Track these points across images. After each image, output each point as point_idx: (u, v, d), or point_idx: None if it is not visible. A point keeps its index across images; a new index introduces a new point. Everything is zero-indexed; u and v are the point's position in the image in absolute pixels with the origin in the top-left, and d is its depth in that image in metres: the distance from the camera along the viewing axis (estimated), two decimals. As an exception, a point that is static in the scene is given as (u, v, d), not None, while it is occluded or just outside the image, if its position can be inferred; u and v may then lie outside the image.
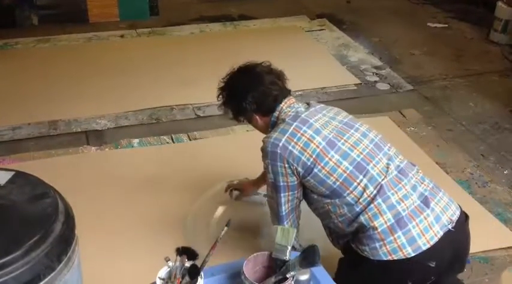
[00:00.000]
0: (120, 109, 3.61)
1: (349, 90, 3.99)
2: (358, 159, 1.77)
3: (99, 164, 3.05)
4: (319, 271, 1.59)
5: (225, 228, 1.49)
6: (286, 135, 1.81)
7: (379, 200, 1.72)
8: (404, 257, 1.68)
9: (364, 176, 1.75)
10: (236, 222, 2.51)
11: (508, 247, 2.57)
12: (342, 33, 5.01)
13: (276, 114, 1.94)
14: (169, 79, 4.01)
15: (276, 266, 1.49)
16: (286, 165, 1.81)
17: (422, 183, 1.82)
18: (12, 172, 1.57)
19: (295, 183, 1.86)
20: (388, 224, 1.70)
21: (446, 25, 5.37)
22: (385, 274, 1.73)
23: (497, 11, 4.86)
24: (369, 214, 1.72)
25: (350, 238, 1.82)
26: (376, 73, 4.26)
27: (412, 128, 3.51)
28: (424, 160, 3.06)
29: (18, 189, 1.51)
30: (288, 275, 1.44)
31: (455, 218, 1.76)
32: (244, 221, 2.58)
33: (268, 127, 1.97)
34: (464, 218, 1.82)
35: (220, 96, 2.05)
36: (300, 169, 1.80)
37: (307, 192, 1.91)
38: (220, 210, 2.67)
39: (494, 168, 3.17)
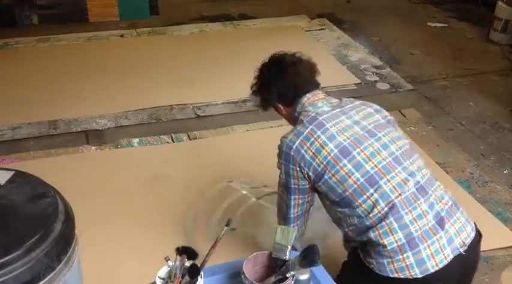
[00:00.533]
0: (120, 108, 3.61)
1: (349, 89, 3.99)
2: (372, 172, 1.70)
3: (99, 164, 3.05)
4: (319, 270, 1.59)
5: (225, 228, 1.49)
6: (300, 138, 1.77)
7: (391, 218, 1.66)
8: (410, 277, 1.65)
9: (375, 190, 1.68)
10: (236, 222, 2.52)
11: (508, 247, 2.57)
12: (342, 33, 5.01)
13: (298, 108, 1.89)
14: (169, 78, 4.01)
15: (276, 266, 1.49)
16: (298, 168, 1.78)
17: (440, 201, 1.73)
18: (12, 172, 1.56)
19: (307, 186, 1.82)
20: (399, 243, 1.65)
21: (446, 25, 5.37)
22: None
23: (497, 10, 4.86)
24: (380, 231, 1.67)
25: (358, 246, 1.77)
26: (376, 73, 4.27)
27: (412, 128, 3.51)
28: (424, 160, 3.06)
29: (18, 188, 1.50)
30: (287, 275, 1.44)
31: (468, 241, 1.71)
32: (245, 221, 2.58)
33: (293, 119, 1.95)
34: (477, 239, 1.76)
35: (254, 86, 2.04)
36: (311, 173, 1.76)
37: (321, 197, 1.87)
38: (220, 209, 2.67)
39: (494, 167, 3.17)
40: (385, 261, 1.67)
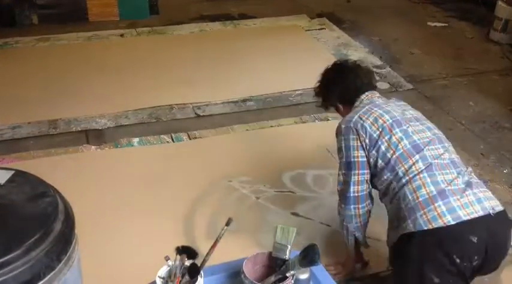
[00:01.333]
0: (120, 108, 3.61)
1: (349, 89, 3.99)
2: (418, 142, 1.91)
3: (99, 163, 3.05)
4: (319, 270, 1.59)
5: (225, 227, 1.49)
6: (359, 113, 2.01)
7: (425, 174, 1.83)
8: (444, 225, 1.72)
9: (419, 156, 1.88)
10: (236, 221, 2.52)
11: (508, 246, 2.56)
12: (342, 33, 5.01)
13: (356, 104, 2.12)
14: (169, 78, 4.01)
15: (275, 266, 1.49)
16: (357, 136, 1.98)
17: (471, 175, 1.89)
18: (12, 171, 1.57)
19: (365, 159, 1.98)
20: (430, 195, 1.78)
21: (446, 24, 5.37)
22: (427, 248, 1.76)
23: (497, 10, 4.86)
24: (413, 185, 1.83)
25: (395, 227, 1.89)
26: (376, 73, 4.25)
27: (412, 127, 3.51)
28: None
29: (18, 188, 1.51)
30: (287, 274, 1.44)
31: (498, 209, 1.79)
32: (245, 221, 2.58)
33: None
34: (508, 223, 1.84)
35: (317, 88, 2.29)
36: (367, 140, 1.96)
37: (374, 181, 2.02)
38: (220, 209, 2.67)
39: (494, 167, 3.17)
40: (417, 214, 1.77)
